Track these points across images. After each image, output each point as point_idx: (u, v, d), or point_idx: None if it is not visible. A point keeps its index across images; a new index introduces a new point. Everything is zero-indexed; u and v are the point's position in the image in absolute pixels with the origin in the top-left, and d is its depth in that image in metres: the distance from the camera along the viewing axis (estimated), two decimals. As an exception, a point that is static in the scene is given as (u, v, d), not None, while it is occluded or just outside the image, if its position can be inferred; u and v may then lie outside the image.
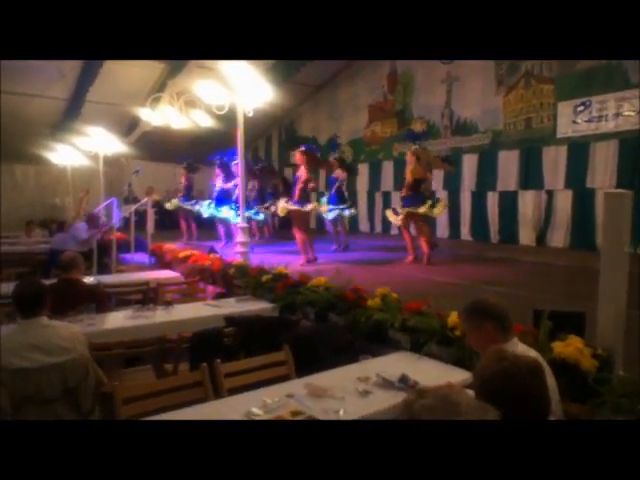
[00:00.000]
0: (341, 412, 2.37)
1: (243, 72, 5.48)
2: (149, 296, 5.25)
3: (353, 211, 9.26)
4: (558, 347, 2.51)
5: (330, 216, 8.52)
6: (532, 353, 1.97)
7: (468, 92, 10.28)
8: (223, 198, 9.38)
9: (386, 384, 2.67)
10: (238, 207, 8.49)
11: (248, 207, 8.57)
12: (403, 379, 2.65)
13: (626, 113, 8.05)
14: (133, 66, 10.84)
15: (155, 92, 11.27)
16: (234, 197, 8.89)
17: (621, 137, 8.08)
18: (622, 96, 8.07)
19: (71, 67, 10.46)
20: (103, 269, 6.98)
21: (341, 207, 8.65)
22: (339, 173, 8.65)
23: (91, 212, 8.25)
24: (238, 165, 7.20)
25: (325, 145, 12.91)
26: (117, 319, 3.99)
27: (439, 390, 0.98)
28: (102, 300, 4.25)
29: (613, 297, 2.48)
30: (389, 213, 7.56)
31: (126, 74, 10.96)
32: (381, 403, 2.50)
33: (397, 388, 2.61)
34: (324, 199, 8.67)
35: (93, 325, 3.76)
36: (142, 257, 7.68)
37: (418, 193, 7.19)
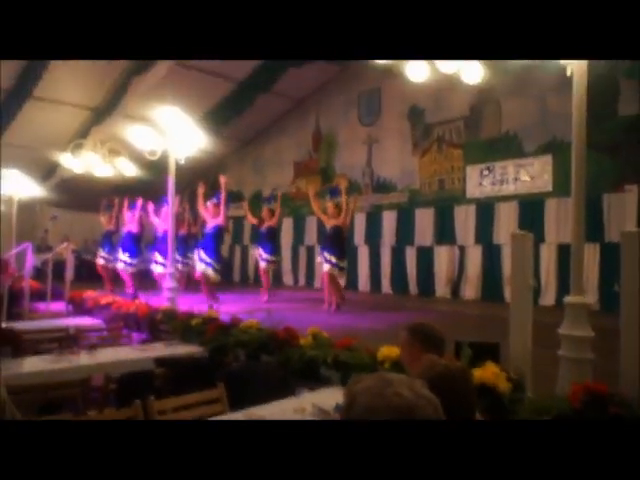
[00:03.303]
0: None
1: (176, 118, 5.63)
2: (67, 344, 4.99)
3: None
4: (477, 372, 2.76)
5: (263, 265, 8.72)
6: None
7: (387, 153, 11.08)
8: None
9: (322, 413, 2.77)
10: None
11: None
12: (338, 408, 2.76)
13: (523, 178, 9.08)
14: (56, 111, 10.63)
15: (77, 138, 11.04)
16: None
17: (520, 199, 9.06)
18: (519, 163, 9.12)
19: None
20: (13, 317, 6.51)
21: (273, 258, 8.92)
22: (274, 222, 8.96)
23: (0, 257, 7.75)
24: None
25: (252, 199, 13.14)
26: (37, 363, 3.78)
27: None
28: (19, 343, 4.02)
29: (522, 325, 2.80)
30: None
31: (47, 118, 10.69)
32: (318, 431, 2.58)
33: (333, 417, 2.71)
34: (259, 249, 8.89)
35: (10, 369, 3.54)
36: (59, 306, 7.27)
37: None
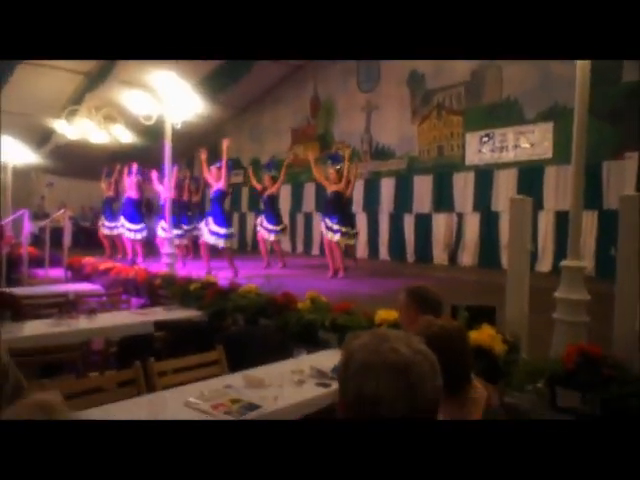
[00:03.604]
0: (278, 399, 2.48)
1: (172, 83, 5.52)
2: (67, 309, 5.02)
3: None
4: (473, 334, 2.79)
5: (272, 237, 8.75)
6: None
7: (386, 120, 10.94)
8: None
9: (320, 375, 2.81)
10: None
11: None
12: (336, 370, 2.80)
13: (523, 145, 8.99)
14: (49, 76, 10.40)
15: (72, 104, 10.86)
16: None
17: (519, 166, 8.99)
18: (519, 130, 9.01)
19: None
20: (12, 283, 6.54)
21: (280, 228, 8.94)
22: (276, 188, 8.95)
23: (-3, 224, 7.74)
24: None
25: (251, 165, 13.01)
26: (37, 326, 3.82)
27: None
28: (18, 307, 4.05)
29: (518, 288, 2.81)
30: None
31: (40, 84, 10.46)
32: (316, 391, 2.63)
33: (331, 378, 2.75)
34: (261, 217, 8.92)
35: (10, 332, 3.57)
36: (57, 272, 7.28)
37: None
